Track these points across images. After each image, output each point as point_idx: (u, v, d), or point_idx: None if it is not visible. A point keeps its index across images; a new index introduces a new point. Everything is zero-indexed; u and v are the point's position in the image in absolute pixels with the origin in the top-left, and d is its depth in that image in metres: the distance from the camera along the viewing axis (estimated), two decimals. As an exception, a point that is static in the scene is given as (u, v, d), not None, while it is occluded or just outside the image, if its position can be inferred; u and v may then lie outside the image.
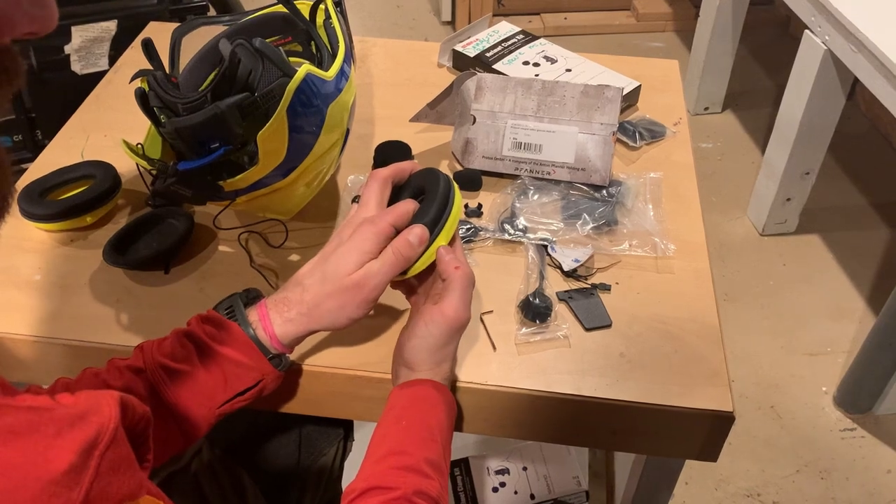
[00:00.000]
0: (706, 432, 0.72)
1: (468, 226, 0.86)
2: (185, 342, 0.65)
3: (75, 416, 0.36)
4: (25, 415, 0.35)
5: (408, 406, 0.64)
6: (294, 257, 0.84)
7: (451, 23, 2.81)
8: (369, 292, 0.64)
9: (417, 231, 0.65)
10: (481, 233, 0.85)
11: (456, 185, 0.70)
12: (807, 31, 1.70)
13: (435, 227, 0.67)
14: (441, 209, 0.67)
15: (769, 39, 2.75)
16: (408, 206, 0.68)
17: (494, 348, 0.75)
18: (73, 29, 1.54)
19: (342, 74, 0.77)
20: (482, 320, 0.77)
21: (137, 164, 0.76)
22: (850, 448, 1.59)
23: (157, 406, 0.64)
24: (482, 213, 0.89)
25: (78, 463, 0.35)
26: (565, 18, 2.84)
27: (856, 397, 1.64)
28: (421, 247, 0.65)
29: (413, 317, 0.68)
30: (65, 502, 0.34)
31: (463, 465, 1.29)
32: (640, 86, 1.05)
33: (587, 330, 0.77)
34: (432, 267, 0.68)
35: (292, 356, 0.70)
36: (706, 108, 2.42)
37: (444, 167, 0.96)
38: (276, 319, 0.65)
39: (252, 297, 0.69)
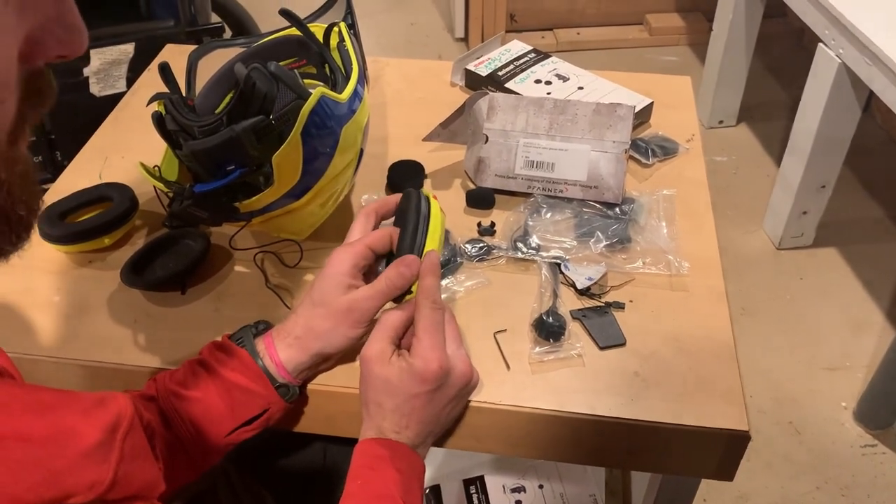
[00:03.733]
0: (722, 451, 0.72)
1: (481, 244, 0.86)
2: (197, 368, 0.66)
3: (97, 401, 0.38)
4: (56, 393, 0.37)
5: (357, 467, 0.64)
6: (309, 277, 0.85)
7: (465, 39, 2.83)
8: (360, 315, 0.66)
9: (408, 261, 0.67)
10: (494, 251, 0.86)
11: (430, 193, 0.72)
12: (821, 44, 1.70)
13: (414, 243, 0.69)
14: (415, 224, 0.69)
15: (783, 52, 2.74)
16: (384, 230, 0.70)
17: (508, 367, 0.75)
18: (92, 52, 1.57)
19: (356, 96, 0.77)
20: (496, 339, 0.77)
21: (154, 187, 0.77)
22: (870, 464, 1.57)
23: (168, 435, 0.65)
24: (495, 231, 0.89)
25: (105, 440, 0.36)
26: (578, 34, 2.85)
27: (876, 413, 1.62)
28: (411, 274, 0.67)
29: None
30: (95, 476, 0.35)
31: (479, 483, 1.28)
32: (652, 103, 1.06)
33: (601, 349, 0.77)
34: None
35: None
36: (720, 122, 2.41)
37: (457, 186, 0.96)
38: (279, 346, 0.67)
39: (261, 329, 0.71)
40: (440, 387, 0.64)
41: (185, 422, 0.65)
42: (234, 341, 0.68)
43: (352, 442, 0.93)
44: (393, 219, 0.74)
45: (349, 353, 0.74)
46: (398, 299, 0.69)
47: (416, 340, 0.64)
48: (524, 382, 0.74)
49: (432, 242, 0.70)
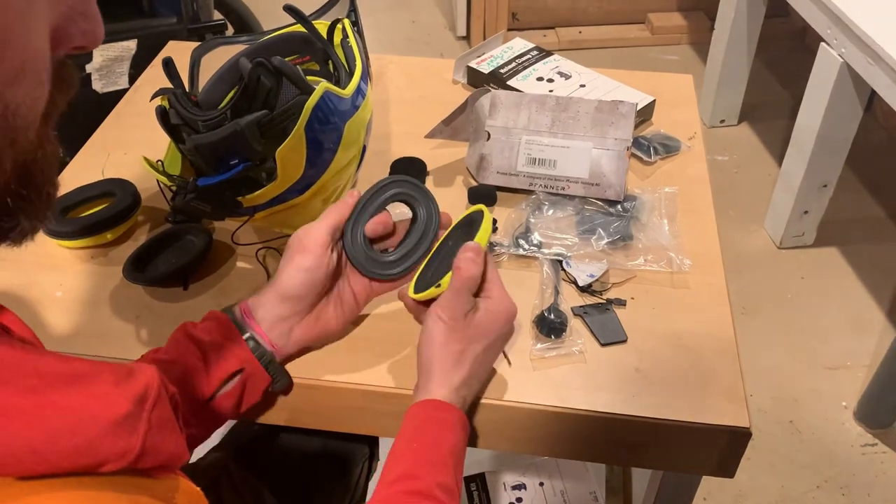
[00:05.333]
0: (723, 448, 0.72)
1: (483, 241, 0.87)
2: (176, 334, 0.69)
3: (127, 372, 0.39)
4: (89, 363, 0.39)
5: (419, 427, 0.65)
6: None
7: (466, 37, 2.83)
8: (309, 241, 0.70)
9: (466, 247, 0.70)
10: (496, 248, 0.86)
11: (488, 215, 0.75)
12: (823, 43, 1.70)
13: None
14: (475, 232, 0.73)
15: (785, 51, 2.74)
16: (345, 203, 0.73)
17: (509, 364, 0.75)
18: (94, 49, 1.57)
19: (359, 92, 0.78)
20: (497, 335, 0.78)
21: (158, 181, 0.77)
22: (871, 464, 1.57)
23: None
24: (497, 228, 0.89)
25: (134, 411, 0.37)
26: (580, 32, 2.85)
27: (876, 412, 1.62)
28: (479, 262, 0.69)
29: None
30: (126, 445, 0.36)
31: (479, 481, 1.28)
32: (654, 100, 1.06)
33: (602, 345, 0.77)
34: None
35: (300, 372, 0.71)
36: (722, 121, 2.41)
37: (459, 183, 0.96)
38: (251, 302, 0.70)
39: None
40: (459, 318, 0.67)
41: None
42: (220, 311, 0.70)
43: (351, 437, 0.94)
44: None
45: (346, 342, 0.74)
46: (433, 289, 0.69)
47: (488, 286, 0.69)
48: (525, 379, 0.74)
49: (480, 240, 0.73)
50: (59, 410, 0.35)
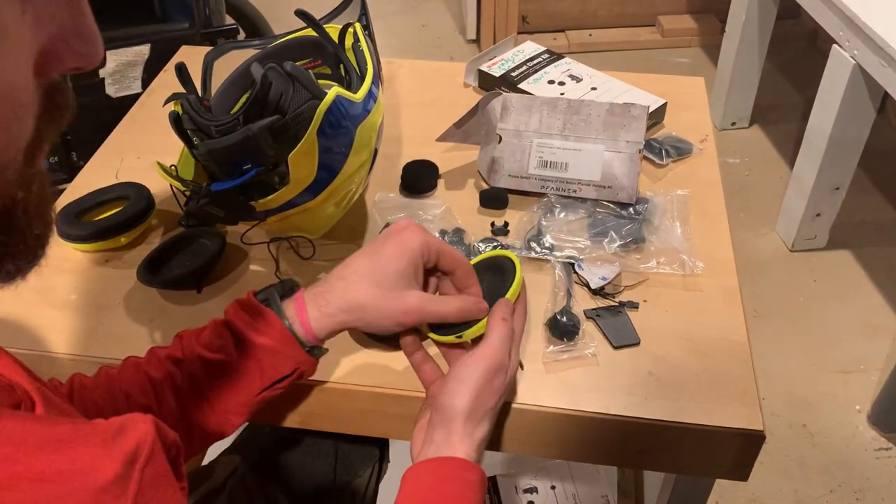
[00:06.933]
0: (736, 451, 0.71)
1: (495, 244, 0.87)
2: (223, 331, 0.65)
3: (116, 430, 0.36)
4: (72, 426, 0.36)
5: (434, 488, 0.60)
6: (323, 275, 0.85)
7: (476, 41, 2.83)
8: (417, 320, 0.65)
9: (503, 303, 0.67)
10: (508, 251, 0.86)
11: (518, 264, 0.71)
12: (835, 45, 1.69)
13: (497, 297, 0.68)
14: (507, 285, 0.69)
15: (796, 53, 2.73)
16: (458, 253, 0.68)
17: (522, 367, 0.75)
18: (108, 53, 1.58)
19: (370, 96, 0.78)
20: (510, 338, 0.78)
21: (171, 186, 0.77)
22: (885, 468, 1.56)
23: (196, 395, 0.65)
24: (508, 231, 0.89)
25: (123, 473, 0.35)
26: (590, 35, 2.85)
27: (890, 416, 1.61)
28: (480, 311, 0.66)
29: (445, 376, 0.67)
30: None
31: (491, 484, 1.28)
32: (665, 103, 1.05)
33: (615, 348, 0.77)
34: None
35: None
36: (733, 124, 2.40)
37: (471, 186, 0.96)
38: (313, 313, 0.64)
39: (288, 287, 0.67)
40: (499, 372, 0.64)
41: (213, 384, 0.64)
42: (260, 301, 0.65)
43: (362, 440, 0.94)
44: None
45: (358, 344, 0.75)
46: (459, 336, 0.67)
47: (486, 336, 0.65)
48: (538, 382, 0.74)
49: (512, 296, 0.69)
50: (37, 482, 0.32)
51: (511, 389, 0.72)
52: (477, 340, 0.67)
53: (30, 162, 0.35)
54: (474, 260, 0.72)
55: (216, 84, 0.86)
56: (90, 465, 0.34)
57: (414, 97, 1.12)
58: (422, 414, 0.68)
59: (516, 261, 0.70)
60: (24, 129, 0.34)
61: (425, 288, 0.68)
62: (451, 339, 0.67)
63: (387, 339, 0.76)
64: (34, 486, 0.32)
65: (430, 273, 0.69)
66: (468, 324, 0.66)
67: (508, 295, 0.68)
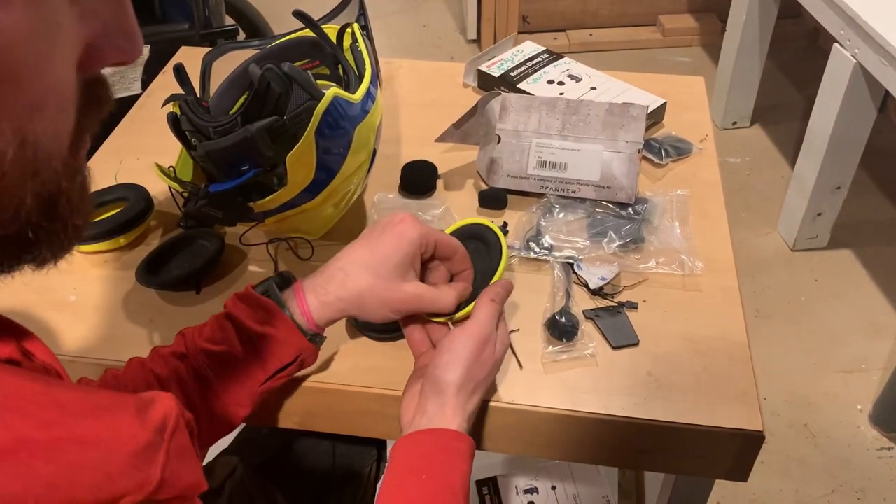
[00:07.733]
0: (736, 452, 0.71)
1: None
2: (225, 323, 0.66)
3: (146, 401, 0.39)
4: (109, 395, 0.38)
5: (427, 455, 0.61)
6: (322, 277, 0.85)
7: (477, 41, 2.83)
8: (413, 308, 0.67)
9: (505, 285, 0.69)
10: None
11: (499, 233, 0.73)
12: (836, 44, 1.69)
13: (489, 277, 0.71)
14: (496, 262, 0.71)
15: (797, 53, 2.72)
16: (454, 240, 0.70)
17: (521, 367, 0.75)
18: (108, 54, 1.58)
19: (368, 96, 0.78)
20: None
21: (169, 187, 0.77)
22: (886, 468, 1.56)
23: (202, 388, 0.66)
24: (508, 231, 0.89)
25: (153, 441, 0.37)
26: (591, 35, 2.85)
27: (892, 416, 1.60)
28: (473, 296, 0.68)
29: (437, 348, 0.68)
30: (145, 477, 0.36)
31: (491, 485, 1.28)
32: (665, 103, 1.05)
33: (614, 348, 0.76)
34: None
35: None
36: (734, 123, 2.40)
37: (470, 186, 0.96)
38: (312, 302, 0.65)
39: (285, 279, 0.69)
40: (486, 344, 0.65)
41: (218, 376, 0.65)
42: (260, 293, 0.66)
43: (360, 440, 0.94)
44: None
45: (357, 345, 0.74)
46: (451, 314, 0.69)
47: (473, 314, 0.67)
48: (537, 382, 0.74)
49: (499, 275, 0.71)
50: (79, 444, 0.34)
51: (510, 383, 0.72)
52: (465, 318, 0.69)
53: (74, 153, 0.37)
54: (454, 226, 0.73)
55: (215, 85, 0.86)
56: (126, 432, 0.36)
57: (413, 97, 1.12)
58: (412, 382, 0.68)
59: (501, 235, 0.72)
60: (67, 121, 0.36)
61: (422, 276, 0.70)
62: (442, 319, 0.70)
63: (381, 329, 0.77)
64: (79, 449, 0.34)
65: (427, 261, 0.70)
66: (459, 305, 0.69)
67: (497, 276, 0.70)
